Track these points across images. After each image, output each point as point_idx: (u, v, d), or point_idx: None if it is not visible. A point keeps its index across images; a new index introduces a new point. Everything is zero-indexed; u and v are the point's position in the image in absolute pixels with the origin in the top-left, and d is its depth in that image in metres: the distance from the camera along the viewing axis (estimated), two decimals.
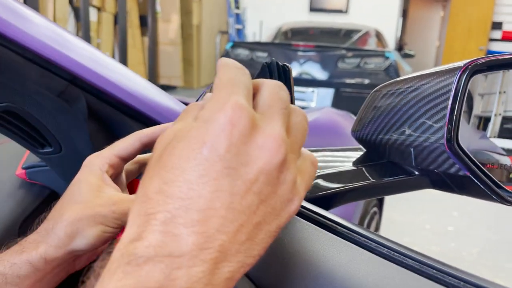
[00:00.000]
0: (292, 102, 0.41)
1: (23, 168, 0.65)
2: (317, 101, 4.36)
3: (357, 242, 0.40)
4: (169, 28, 7.45)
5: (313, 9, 8.99)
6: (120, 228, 0.44)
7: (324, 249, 0.38)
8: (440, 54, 10.10)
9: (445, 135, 0.48)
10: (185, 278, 0.24)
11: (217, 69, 0.31)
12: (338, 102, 4.15)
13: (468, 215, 3.01)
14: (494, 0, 7.92)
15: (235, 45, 4.91)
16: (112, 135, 0.62)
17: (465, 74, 0.47)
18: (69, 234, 0.42)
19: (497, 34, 8.31)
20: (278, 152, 0.26)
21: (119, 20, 5.94)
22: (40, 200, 0.63)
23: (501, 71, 0.54)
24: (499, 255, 2.45)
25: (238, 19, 8.75)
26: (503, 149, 0.59)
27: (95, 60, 0.57)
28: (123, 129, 0.62)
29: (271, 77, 0.41)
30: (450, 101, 0.48)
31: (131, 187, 0.51)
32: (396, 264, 0.36)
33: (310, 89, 4.40)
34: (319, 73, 4.43)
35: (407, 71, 4.94)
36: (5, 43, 0.48)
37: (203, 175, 0.25)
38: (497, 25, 8.24)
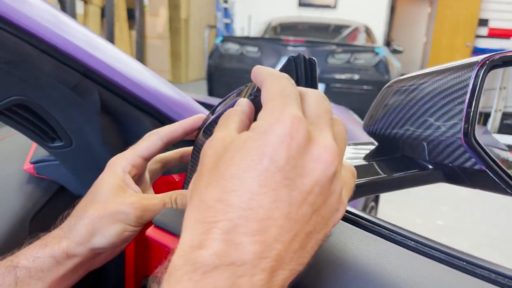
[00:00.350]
0: None
1: (31, 163, 0.64)
2: None
3: (383, 235, 0.40)
4: (157, 22, 7.38)
5: (302, 4, 8.99)
6: (141, 227, 0.44)
7: (352, 242, 0.39)
8: (427, 50, 10.19)
9: (462, 130, 0.48)
10: (247, 285, 0.24)
11: (262, 78, 0.32)
12: (329, 98, 4.14)
13: (456, 210, 3.06)
14: None
15: (225, 39, 4.88)
16: (123, 128, 0.61)
17: (483, 69, 0.48)
18: (90, 231, 0.43)
19: (484, 31, 8.43)
20: (332, 164, 0.27)
21: (106, 13, 5.85)
22: (50, 195, 0.62)
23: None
24: (489, 248, 2.50)
25: (227, 13, 8.70)
26: (505, 144, 0.60)
27: (108, 53, 0.56)
28: (134, 123, 0.61)
29: (296, 71, 0.41)
30: (468, 95, 0.48)
31: (157, 185, 0.50)
32: (425, 256, 0.37)
33: None
34: None
35: (397, 67, 4.97)
36: (21, 35, 0.47)
37: (263, 185, 0.26)
38: (483, 22, 8.35)
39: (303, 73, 0.40)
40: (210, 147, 0.30)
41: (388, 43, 9.52)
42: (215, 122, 0.45)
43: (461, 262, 0.35)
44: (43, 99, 0.53)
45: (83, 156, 0.60)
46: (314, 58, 0.41)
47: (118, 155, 0.47)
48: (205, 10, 8.67)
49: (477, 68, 0.48)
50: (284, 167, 0.26)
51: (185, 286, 0.24)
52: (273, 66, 3.63)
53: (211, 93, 4.98)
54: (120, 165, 0.45)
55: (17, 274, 0.42)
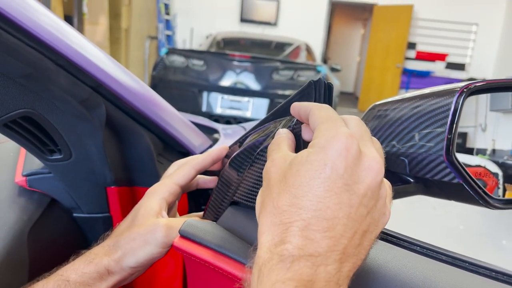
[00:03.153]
0: None
1: (24, 175, 0.63)
2: (252, 111, 4.45)
3: (391, 242, 0.45)
4: (96, 30, 7.17)
5: (243, 19, 9.14)
6: (168, 248, 0.48)
7: None
8: (361, 69, 10.72)
9: (444, 148, 0.55)
10: (324, 274, 0.29)
11: (307, 109, 0.38)
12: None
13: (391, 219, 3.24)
14: (410, 22, 8.60)
15: (170, 51, 4.85)
16: (123, 142, 0.62)
17: (462, 96, 0.55)
18: (124, 251, 0.47)
19: (412, 54, 9.04)
20: (380, 171, 0.33)
21: None
22: (43, 208, 0.61)
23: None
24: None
25: (168, 25, 8.65)
26: None
27: (115, 68, 0.58)
28: (134, 137, 0.62)
29: (315, 93, 0.45)
30: (450, 118, 0.55)
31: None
32: (432, 259, 0.42)
33: (245, 99, 4.47)
34: (254, 84, 4.52)
35: (336, 85, 5.20)
36: (42, 49, 0.48)
37: (328, 190, 0.31)
38: (412, 45, 8.96)
39: (321, 95, 0.45)
40: (273, 166, 0.35)
41: (325, 61, 9.92)
42: (242, 154, 0.49)
43: (465, 263, 0.40)
44: (50, 112, 0.53)
45: (81, 169, 0.60)
46: (331, 82, 0.45)
47: (158, 183, 0.52)
48: (147, 21, 8.55)
49: (457, 95, 0.55)
50: (343, 175, 0.31)
51: (278, 274, 0.29)
52: (218, 80, 3.67)
53: None
54: (160, 192, 0.50)
55: None
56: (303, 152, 0.33)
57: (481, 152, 0.72)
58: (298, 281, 0.29)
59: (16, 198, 0.61)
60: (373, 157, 0.33)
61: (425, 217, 3.26)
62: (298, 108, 0.39)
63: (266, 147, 0.42)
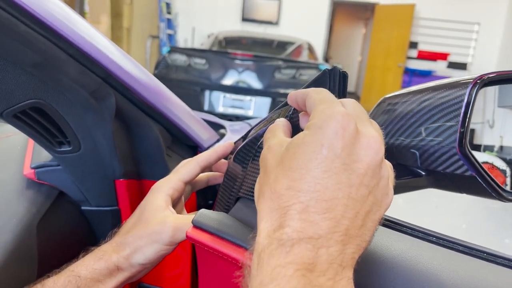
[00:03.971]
0: None
1: (32, 168, 0.62)
2: (254, 110, 4.44)
3: (407, 233, 0.44)
4: (98, 29, 7.15)
5: (245, 19, 9.13)
6: (175, 246, 0.49)
7: (382, 239, 0.43)
8: (362, 69, 10.71)
9: (457, 140, 0.54)
10: (326, 256, 0.28)
11: (303, 95, 0.37)
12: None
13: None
14: (411, 21, 8.58)
15: (173, 50, 4.84)
16: (132, 134, 0.62)
17: (476, 87, 0.54)
18: (132, 249, 0.48)
19: (414, 53, 9.02)
20: (380, 150, 0.32)
21: None
22: (51, 200, 0.61)
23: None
24: None
25: (170, 24, 8.64)
26: None
27: (125, 59, 0.57)
28: (143, 129, 0.62)
29: (329, 82, 0.44)
30: (463, 110, 0.54)
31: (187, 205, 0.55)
32: (449, 249, 0.41)
33: (248, 98, 4.47)
34: (256, 83, 4.51)
35: None
36: (52, 37, 0.47)
37: (325, 171, 0.30)
38: (413, 45, 8.94)
39: (336, 84, 0.44)
40: (269, 152, 0.34)
41: (326, 60, 9.91)
42: (245, 148, 0.49)
43: (482, 253, 0.40)
44: (59, 102, 0.53)
45: (89, 161, 0.60)
46: (346, 71, 0.45)
47: (163, 179, 0.52)
48: (148, 20, 8.55)
49: (471, 86, 0.54)
50: (341, 154, 0.30)
51: (278, 258, 0.28)
52: (220, 79, 3.65)
53: None
54: (165, 188, 0.51)
55: (78, 284, 0.46)
56: (299, 135, 0.32)
57: (488, 148, 0.72)
58: (299, 264, 0.28)
59: (24, 191, 0.60)
60: (372, 135, 0.32)
61: (427, 215, 3.25)
62: (295, 95, 0.39)
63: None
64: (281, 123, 0.40)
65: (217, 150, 0.54)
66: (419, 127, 0.59)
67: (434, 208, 3.47)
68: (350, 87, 12.33)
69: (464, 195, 0.59)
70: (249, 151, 0.49)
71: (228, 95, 4.46)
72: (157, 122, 0.62)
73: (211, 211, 0.46)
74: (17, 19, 0.43)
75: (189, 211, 0.59)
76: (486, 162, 0.68)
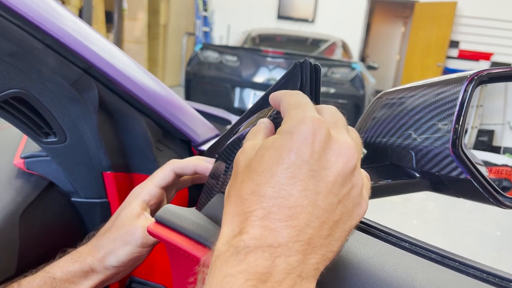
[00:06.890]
0: (318, 100, 0.43)
1: (22, 157, 0.63)
2: None
3: (379, 237, 0.42)
4: (135, 26, 7.32)
5: (280, 16, 9.10)
6: (148, 249, 0.50)
7: (350, 242, 0.40)
8: (400, 68, 10.46)
9: (450, 140, 0.51)
10: (284, 265, 0.27)
11: (278, 97, 0.36)
12: None
13: (425, 223, 3.14)
14: (453, 19, 8.30)
15: (205, 47, 4.88)
16: (119, 126, 0.61)
17: (472, 84, 0.50)
18: (106, 251, 0.49)
19: (454, 52, 8.72)
20: (352, 157, 0.30)
21: (84, 14, 5.77)
22: (39, 191, 0.61)
23: (483, 85, 0.58)
24: None
25: (206, 21, 8.72)
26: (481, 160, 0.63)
27: (109, 51, 0.57)
28: (129, 121, 0.61)
29: (301, 75, 0.42)
30: (457, 109, 0.51)
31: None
32: (420, 256, 0.38)
33: None
34: None
35: (372, 83, 5.09)
36: (27, 28, 0.47)
37: (291, 177, 0.28)
38: (454, 44, 8.64)
39: (308, 77, 0.42)
40: (242, 154, 0.33)
41: (363, 59, 9.74)
42: (228, 147, 0.48)
43: (454, 262, 0.37)
44: (41, 93, 0.53)
45: (76, 153, 0.60)
46: (319, 64, 0.42)
47: (140, 185, 0.54)
48: (185, 17, 8.66)
49: (466, 83, 0.51)
50: (309, 160, 0.29)
51: (231, 266, 0.27)
52: (251, 76, 3.64)
53: (187, 99, 4.97)
54: (140, 194, 0.52)
55: (53, 285, 0.47)
56: (269, 139, 0.31)
57: (508, 151, 0.67)
58: (251, 273, 0.26)
59: (13, 180, 0.61)
60: (345, 141, 0.30)
61: (459, 220, 3.13)
62: (274, 97, 0.38)
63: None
64: (264, 125, 0.39)
65: (193, 163, 0.55)
66: (413, 125, 0.56)
67: (466, 213, 3.34)
68: (388, 87, 12.06)
69: None
70: (231, 152, 0.48)
71: (258, 92, 4.45)
72: (144, 114, 0.62)
73: (177, 206, 0.45)
74: None
75: None
76: (506, 165, 0.64)
